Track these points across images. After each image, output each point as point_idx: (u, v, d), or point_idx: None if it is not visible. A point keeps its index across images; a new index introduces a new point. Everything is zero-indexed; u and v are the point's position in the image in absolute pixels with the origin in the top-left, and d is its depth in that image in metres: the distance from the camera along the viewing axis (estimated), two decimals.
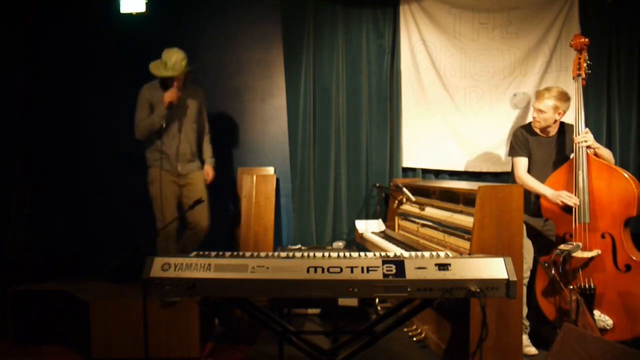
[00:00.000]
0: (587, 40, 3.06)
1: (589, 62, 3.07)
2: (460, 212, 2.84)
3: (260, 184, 3.70)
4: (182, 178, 3.37)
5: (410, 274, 1.69)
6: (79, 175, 4.03)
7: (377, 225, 3.82)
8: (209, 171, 3.53)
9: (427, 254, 1.86)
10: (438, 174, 4.17)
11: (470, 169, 4.09)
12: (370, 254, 1.88)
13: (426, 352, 3.04)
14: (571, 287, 2.69)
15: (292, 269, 1.70)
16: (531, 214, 3.15)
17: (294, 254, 1.85)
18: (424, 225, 3.33)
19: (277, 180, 4.09)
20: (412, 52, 4.06)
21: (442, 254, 1.86)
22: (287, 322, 2.12)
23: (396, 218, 3.83)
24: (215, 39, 4.11)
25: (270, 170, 4.09)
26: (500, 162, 4.04)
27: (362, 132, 4.11)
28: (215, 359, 3.02)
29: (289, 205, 4.17)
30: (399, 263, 1.72)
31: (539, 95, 3.11)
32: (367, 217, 4.03)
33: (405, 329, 3.32)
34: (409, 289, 1.68)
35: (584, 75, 3.04)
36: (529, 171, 3.16)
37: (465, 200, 2.84)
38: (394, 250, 3.00)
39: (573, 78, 3.07)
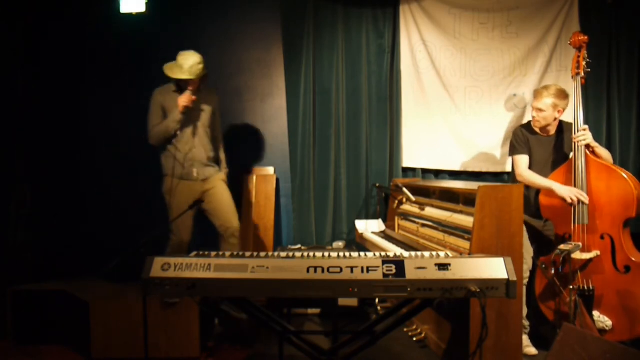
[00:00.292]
0: (585, 37, 3.05)
1: (588, 60, 3.05)
2: (460, 212, 2.84)
3: (260, 184, 3.70)
4: (201, 184, 3.22)
5: (410, 274, 1.69)
6: (79, 175, 4.02)
7: (377, 225, 3.82)
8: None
9: (427, 254, 1.86)
10: (438, 174, 4.17)
11: (470, 169, 4.09)
12: (370, 254, 1.89)
13: (426, 352, 3.04)
14: (571, 287, 2.68)
15: (292, 269, 1.71)
16: (531, 215, 3.15)
17: (294, 254, 1.85)
18: (424, 225, 3.34)
19: (277, 180, 4.09)
20: (412, 52, 4.06)
21: (442, 254, 1.86)
22: (287, 322, 2.12)
23: (396, 218, 3.83)
24: (215, 39, 4.10)
25: (270, 170, 4.09)
26: (501, 162, 4.04)
27: (362, 132, 4.11)
28: (215, 359, 3.02)
29: (289, 205, 4.17)
30: (399, 263, 1.72)
31: (537, 94, 3.10)
32: (367, 217, 4.03)
33: (405, 329, 3.32)
34: (409, 289, 1.68)
35: (582, 74, 3.03)
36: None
37: (465, 200, 2.84)
38: (394, 250, 3.00)
39: (572, 77, 3.06)
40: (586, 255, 2.82)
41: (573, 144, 2.94)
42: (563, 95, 3.06)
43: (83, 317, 2.99)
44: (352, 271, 1.70)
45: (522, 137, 3.18)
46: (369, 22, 4.09)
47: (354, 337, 2.13)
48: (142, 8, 3.77)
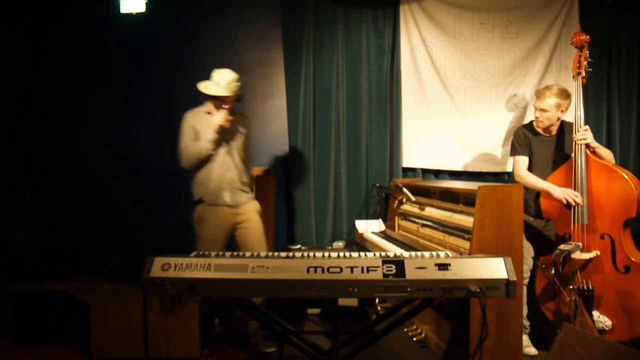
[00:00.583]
0: (587, 37, 3.04)
1: (589, 59, 3.05)
2: (460, 212, 2.84)
3: (260, 184, 3.69)
4: (234, 212, 3.04)
5: (410, 274, 1.69)
6: (79, 175, 4.02)
7: (377, 225, 3.82)
8: None
9: (427, 254, 1.86)
10: (438, 174, 4.17)
11: (470, 169, 4.09)
12: (370, 254, 1.89)
13: (426, 352, 3.04)
14: (570, 287, 2.68)
15: (292, 269, 1.71)
16: (532, 215, 3.15)
17: (294, 254, 1.85)
18: (424, 225, 3.34)
19: (277, 180, 4.09)
20: (412, 52, 4.06)
21: (442, 254, 1.86)
22: (287, 322, 2.12)
23: (396, 218, 3.83)
24: (215, 39, 4.10)
25: (270, 170, 4.09)
26: (500, 162, 4.04)
27: (362, 132, 4.11)
28: (215, 359, 3.02)
29: (289, 205, 4.17)
30: (399, 263, 1.72)
31: (539, 94, 3.10)
32: (367, 217, 4.03)
33: (405, 329, 3.32)
34: (409, 289, 1.68)
35: (584, 74, 3.03)
36: (531, 171, 3.15)
37: (465, 200, 2.84)
38: (394, 250, 3.00)
39: (573, 76, 3.06)
40: (586, 255, 2.82)
41: (573, 143, 2.94)
42: (565, 94, 3.06)
43: (83, 317, 2.99)
44: (352, 271, 1.70)
45: (523, 138, 3.18)
46: (369, 22, 4.09)
47: (354, 337, 2.13)
48: (142, 8, 3.77)
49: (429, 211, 3.22)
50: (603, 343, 2.00)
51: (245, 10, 4.15)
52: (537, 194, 3.10)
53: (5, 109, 3.75)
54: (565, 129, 3.15)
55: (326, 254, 1.86)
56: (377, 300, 3.75)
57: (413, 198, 3.42)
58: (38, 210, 3.89)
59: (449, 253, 1.93)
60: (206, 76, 4.03)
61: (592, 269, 2.85)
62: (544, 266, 2.82)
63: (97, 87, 4.08)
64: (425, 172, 4.16)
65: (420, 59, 4.06)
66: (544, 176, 3.08)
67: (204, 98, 3.01)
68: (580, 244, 2.78)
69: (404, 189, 3.48)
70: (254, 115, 4.26)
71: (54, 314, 3.20)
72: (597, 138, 3.01)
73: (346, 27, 4.10)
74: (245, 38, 4.17)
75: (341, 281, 1.68)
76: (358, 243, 3.82)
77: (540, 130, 3.16)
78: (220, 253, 1.87)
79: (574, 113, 2.98)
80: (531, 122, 3.25)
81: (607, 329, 2.80)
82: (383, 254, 1.91)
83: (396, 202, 3.80)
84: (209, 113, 3.03)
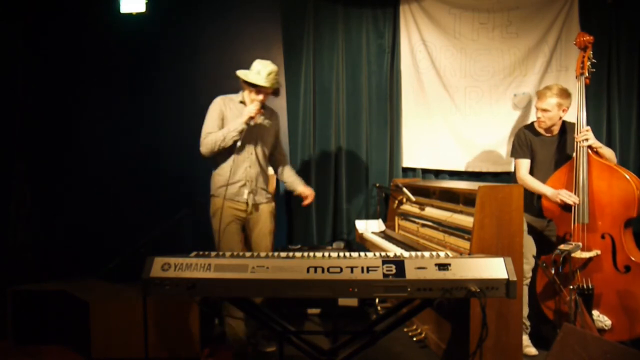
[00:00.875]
0: (591, 38, 3.04)
1: (593, 60, 3.05)
2: (460, 212, 2.84)
3: None
4: (248, 211, 2.93)
5: (410, 274, 1.69)
6: (79, 175, 4.02)
7: (377, 225, 3.82)
8: (306, 192, 3.16)
9: (427, 254, 1.86)
10: (438, 174, 4.17)
11: (470, 169, 4.09)
12: (370, 254, 1.88)
13: (426, 352, 3.04)
14: (571, 287, 2.69)
15: (292, 269, 1.70)
16: (534, 215, 3.15)
17: (294, 254, 1.85)
18: (424, 225, 3.33)
19: (277, 180, 4.09)
20: (412, 52, 4.06)
21: (442, 254, 1.86)
22: (287, 322, 2.12)
23: (396, 218, 3.83)
24: (215, 39, 4.10)
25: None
26: (501, 162, 4.05)
27: (362, 132, 4.11)
28: (215, 359, 3.02)
29: (289, 205, 4.17)
30: (399, 263, 1.71)
31: (541, 94, 3.11)
32: (367, 217, 4.03)
33: (405, 329, 3.32)
34: (409, 289, 1.68)
35: (587, 74, 3.03)
36: (533, 171, 3.16)
37: (465, 200, 2.84)
38: (394, 250, 3.00)
39: (576, 77, 3.06)
40: (586, 254, 2.82)
41: (575, 144, 2.95)
42: (566, 94, 3.08)
43: (83, 317, 2.99)
44: (352, 271, 1.69)
45: (524, 140, 3.18)
46: (369, 22, 4.09)
47: (354, 337, 2.13)
48: (142, 8, 3.78)
49: (429, 211, 3.22)
50: (603, 343, 2.00)
51: (245, 10, 4.15)
52: None
53: (5, 109, 3.75)
54: (567, 128, 3.15)
55: (326, 254, 1.86)
56: (377, 300, 3.75)
57: (413, 198, 3.42)
58: (38, 210, 3.89)
59: (449, 253, 1.93)
60: (206, 76, 4.05)
61: (592, 269, 2.85)
62: (544, 264, 2.82)
63: (97, 87, 4.08)
64: (425, 172, 4.16)
65: (420, 59, 4.06)
66: (546, 176, 3.08)
67: (240, 86, 2.92)
68: (580, 244, 2.78)
69: (404, 189, 3.48)
70: None
71: (54, 314, 3.20)
72: (597, 138, 3.01)
73: (346, 27, 4.10)
74: (245, 38, 4.17)
75: (341, 281, 1.68)
76: (358, 243, 3.82)
77: (541, 131, 3.17)
78: (220, 253, 1.87)
79: (577, 113, 2.98)
80: (532, 123, 3.26)
81: (606, 328, 2.80)
82: (383, 254, 1.91)
83: (396, 202, 3.80)
84: (241, 102, 2.93)
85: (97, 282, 3.43)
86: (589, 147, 2.91)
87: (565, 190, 2.93)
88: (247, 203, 2.92)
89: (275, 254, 1.89)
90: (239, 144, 2.80)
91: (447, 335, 2.84)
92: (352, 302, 3.68)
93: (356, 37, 4.10)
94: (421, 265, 1.71)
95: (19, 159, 3.83)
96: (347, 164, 4.12)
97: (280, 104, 4.18)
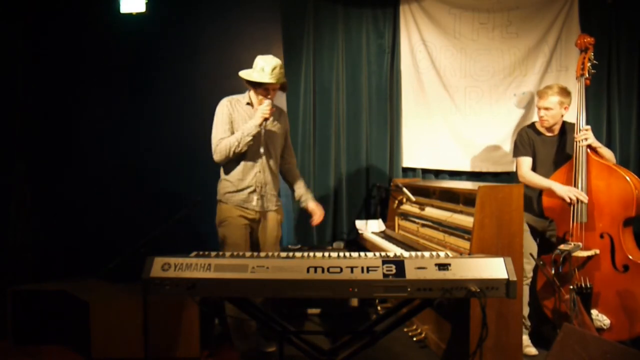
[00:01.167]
0: (592, 39, 3.04)
1: (594, 61, 3.05)
2: (460, 212, 2.84)
3: None
4: (257, 219, 2.83)
5: (410, 274, 1.69)
6: (79, 175, 4.02)
7: (377, 225, 3.82)
8: (315, 209, 3.01)
9: (427, 254, 1.86)
10: (438, 174, 4.17)
11: (470, 169, 4.09)
12: (370, 254, 1.89)
13: (426, 352, 3.04)
14: (571, 287, 2.69)
15: (292, 269, 1.70)
16: (535, 215, 3.15)
17: (294, 254, 1.85)
18: (424, 225, 3.34)
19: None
20: (412, 52, 4.06)
21: (442, 254, 1.86)
22: (287, 322, 2.12)
23: (396, 218, 3.83)
24: (215, 39, 4.10)
25: None
26: (500, 162, 4.05)
27: (362, 132, 4.11)
28: (215, 359, 3.02)
29: (289, 205, 4.17)
30: (399, 263, 1.72)
31: (542, 94, 3.12)
32: (367, 217, 4.03)
33: (405, 329, 3.32)
34: (409, 289, 1.68)
35: (587, 76, 3.03)
36: (535, 171, 3.16)
37: (465, 200, 2.85)
38: (394, 250, 3.00)
39: (576, 78, 3.06)
40: (585, 253, 2.82)
41: (575, 143, 2.95)
42: (566, 92, 3.09)
43: (83, 317, 2.99)
44: (352, 271, 1.70)
45: (527, 139, 3.19)
46: (369, 22, 4.09)
47: (354, 337, 2.13)
48: (142, 8, 3.77)
49: (429, 211, 3.22)
50: (603, 343, 2.00)
51: (245, 10, 4.14)
52: (541, 193, 3.10)
53: (5, 108, 3.74)
54: (567, 128, 3.16)
55: (326, 254, 1.86)
56: (377, 300, 3.75)
57: (413, 198, 3.42)
58: (38, 210, 3.89)
59: (449, 253, 1.93)
60: (206, 76, 4.05)
61: (591, 268, 2.85)
62: (542, 263, 2.82)
63: (97, 87, 4.07)
64: (425, 172, 4.16)
65: (420, 59, 4.06)
66: (547, 176, 3.08)
67: (244, 85, 2.80)
68: (580, 244, 2.78)
69: (404, 189, 3.48)
70: None
71: (54, 314, 3.20)
72: (597, 138, 3.01)
73: (346, 27, 4.09)
74: (245, 38, 4.17)
75: (341, 281, 1.68)
76: (358, 243, 3.82)
77: (543, 130, 3.17)
78: (220, 253, 1.87)
79: (576, 114, 2.98)
80: (534, 123, 3.26)
81: (605, 327, 2.80)
82: (383, 254, 1.91)
83: (396, 202, 3.80)
84: (248, 104, 2.82)
85: (97, 282, 3.43)
86: (589, 146, 2.92)
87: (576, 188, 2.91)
88: (255, 210, 2.82)
89: (275, 254, 1.89)
90: (246, 147, 2.72)
91: (447, 335, 2.84)
92: (352, 302, 3.69)
93: (356, 37, 4.10)
94: (421, 265, 1.71)
95: (19, 159, 3.83)
96: (347, 164, 4.12)
97: (280, 104, 4.18)
